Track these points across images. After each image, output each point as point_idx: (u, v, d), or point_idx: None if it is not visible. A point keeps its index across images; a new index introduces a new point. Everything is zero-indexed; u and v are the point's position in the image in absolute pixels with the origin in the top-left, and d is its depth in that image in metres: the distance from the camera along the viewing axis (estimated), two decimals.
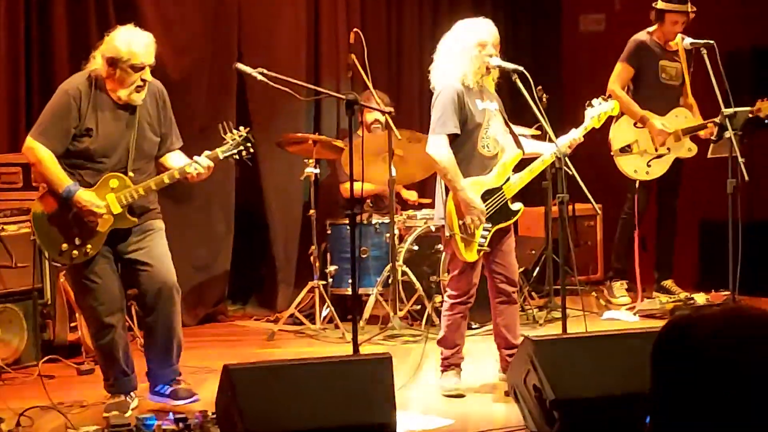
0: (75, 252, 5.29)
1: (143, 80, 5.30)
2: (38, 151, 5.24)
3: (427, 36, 9.05)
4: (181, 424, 4.92)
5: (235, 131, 5.58)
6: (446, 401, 5.65)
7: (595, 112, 6.00)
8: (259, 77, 5.58)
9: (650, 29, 7.93)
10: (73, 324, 6.54)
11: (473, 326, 7.04)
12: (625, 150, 7.87)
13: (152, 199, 5.54)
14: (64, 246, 5.28)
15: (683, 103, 7.90)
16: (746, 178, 6.36)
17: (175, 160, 5.59)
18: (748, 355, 1.74)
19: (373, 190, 7.94)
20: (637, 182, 7.91)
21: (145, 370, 5.61)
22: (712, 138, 6.95)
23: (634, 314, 7.67)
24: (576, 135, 5.86)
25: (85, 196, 5.24)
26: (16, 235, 6.49)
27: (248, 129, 5.66)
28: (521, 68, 5.60)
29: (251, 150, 5.59)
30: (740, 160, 6.39)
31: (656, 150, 7.82)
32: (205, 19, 8.06)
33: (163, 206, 5.60)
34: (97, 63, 5.35)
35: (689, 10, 7.80)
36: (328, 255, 7.79)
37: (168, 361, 5.52)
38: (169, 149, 5.60)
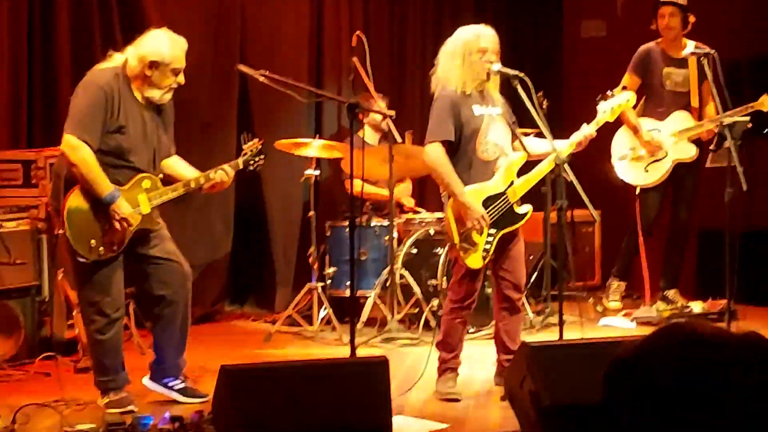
0: (102, 249, 5.35)
1: (177, 83, 5.43)
2: (82, 151, 5.23)
3: (429, 40, 9.07)
4: (177, 424, 4.93)
5: (251, 142, 5.76)
6: (442, 405, 5.66)
7: (608, 105, 6.02)
8: (261, 79, 5.62)
9: (658, 39, 7.95)
10: (70, 321, 6.54)
11: (470, 330, 7.05)
12: (624, 157, 7.88)
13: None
14: (93, 242, 5.33)
15: (693, 108, 7.88)
16: (745, 187, 6.37)
17: (181, 166, 5.70)
18: (700, 373, 1.75)
19: (375, 194, 7.95)
20: (638, 189, 7.92)
21: (144, 369, 5.70)
22: (711, 147, 6.96)
23: (631, 321, 7.67)
24: (589, 130, 5.87)
25: (125, 207, 5.31)
26: (15, 231, 6.51)
27: (262, 141, 5.81)
28: (522, 74, 5.62)
29: (261, 163, 5.73)
30: (739, 169, 6.39)
31: (651, 155, 7.83)
32: (208, 20, 8.07)
33: (162, 205, 5.61)
34: (119, 60, 5.41)
35: (678, 1, 7.80)
36: (327, 257, 7.80)
37: (182, 352, 5.66)
38: (169, 153, 5.67)
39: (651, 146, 7.79)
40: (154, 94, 5.40)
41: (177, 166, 5.69)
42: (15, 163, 6.75)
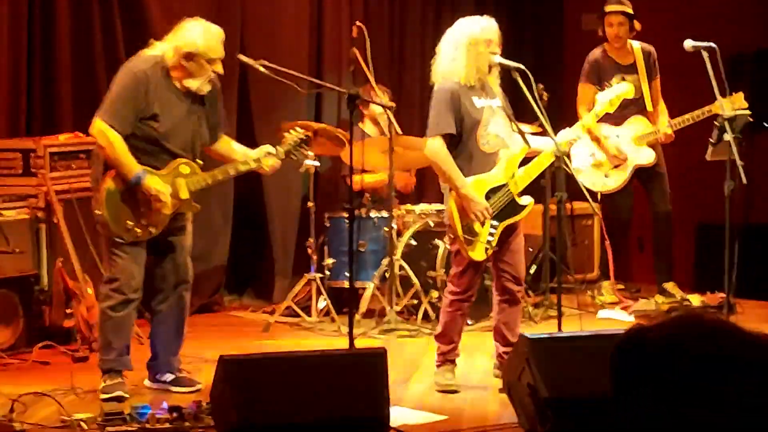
0: (139, 230, 5.47)
1: (215, 72, 5.50)
2: (109, 134, 5.36)
3: (429, 31, 9.05)
4: (175, 414, 4.94)
5: (294, 131, 5.77)
6: (440, 396, 5.67)
7: (607, 96, 6.03)
8: (262, 69, 5.64)
9: (605, 45, 7.97)
10: (69, 310, 6.53)
11: (469, 322, 7.04)
12: (584, 165, 7.87)
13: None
14: (130, 223, 5.45)
15: (648, 112, 7.87)
16: (744, 181, 6.36)
17: (230, 148, 5.80)
18: (702, 366, 1.74)
19: (373, 182, 7.94)
20: (599, 194, 7.92)
21: (145, 361, 5.77)
22: (711, 141, 6.94)
23: (630, 314, 7.67)
24: (588, 120, 5.89)
25: (153, 183, 5.41)
26: (14, 220, 6.51)
27: (306, 132, 5.85)
28: (522, 66, 5.62)
29: (306, 153, 5.75)
30: (739, 163, 6.39)
31: (612, 160, 7.85)
32: (208, 10, 8.03)
33: None
34: (161, 50, 5.50)
35: (622, 9, 7.80)
36: (326, 248, 7.79)
37: (175, 350, 5.73)
38: (218, 137, 5.77)
39: (617, 159, 7.80)
40: (192, 84, 5.49)
41: (228, 147, 5.79)
42: (14, 152, 6.74)
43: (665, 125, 7.74)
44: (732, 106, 7.15)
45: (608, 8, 7.88)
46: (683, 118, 7.63)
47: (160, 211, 5.48)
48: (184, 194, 5.54)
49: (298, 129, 5.81)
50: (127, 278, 5.51)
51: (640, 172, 7.92)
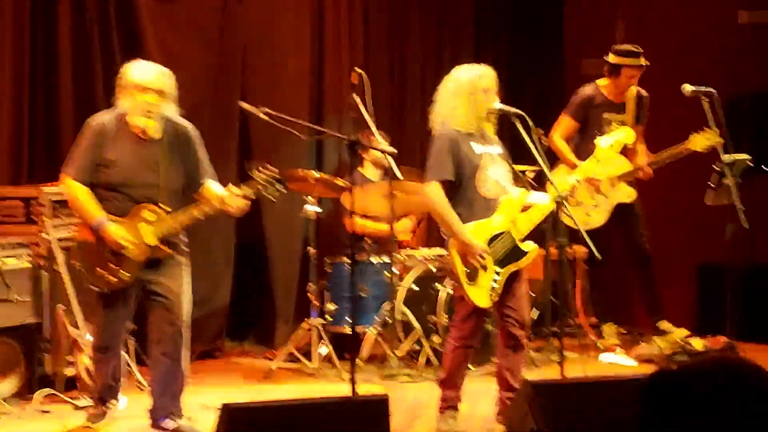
0: (110, 277, 5.56)
1: (151, 105, 5.55)
2: (73, 188, 5.60)
3: (429, 77, 9.09)
4: None
5: (263, 170, 5.67)
6: None
7: (608, 141, 6.06)
8: (263, 116, 5.66)
9: (600, 82, 7.97)
10: (70, 359, 6.52)
11: (471, 368, 7.02)
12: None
13: (179, 233, 5.76)
14: (100, 272, 5.56)
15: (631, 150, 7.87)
16: (745, 225, 6.36)
17: (212, 191, 5.75)
18: (734, 407, 1.75)
19: (374, 231, 7.95)
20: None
21: (147, 408, 5.78)
22: (711, 185, 6.95)
23: (633, 359, 7.65)
24: (588, 165, 5.94)
25: (112, 230, 5.52)
26: (16, 269, 6.50)
27: (277, 170, 5.75)
28: (522, 113, 5.66)
29: (279, 190, 5.70)
30: (739, 207, 6.39)
31: (593, 198, 7.83)
32: (210, 56, 8.10)
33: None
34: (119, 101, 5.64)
35: (643, 63, 7.81)
36: (327, 293, 7.78)
37: (172, 393, 5.70)
38: (201, 185, 5.74)
39: (593, 184, 7.76)
40: (137, 122, 5.57)
41: (209, 192, 5.73)
42: (16, 200, 6.75)
43: (644, 164, 7.73)
44: (706, 141, 7.17)
45: (631, 62, 7.80)
46: (660, 156, 7.63)
47: (129, 257, 5.54)
48: (151, 240, 5.57)
49: (269, 167, 5.73)
50: (105, 335, 5.75)
51: (617, 211, 7.91)
